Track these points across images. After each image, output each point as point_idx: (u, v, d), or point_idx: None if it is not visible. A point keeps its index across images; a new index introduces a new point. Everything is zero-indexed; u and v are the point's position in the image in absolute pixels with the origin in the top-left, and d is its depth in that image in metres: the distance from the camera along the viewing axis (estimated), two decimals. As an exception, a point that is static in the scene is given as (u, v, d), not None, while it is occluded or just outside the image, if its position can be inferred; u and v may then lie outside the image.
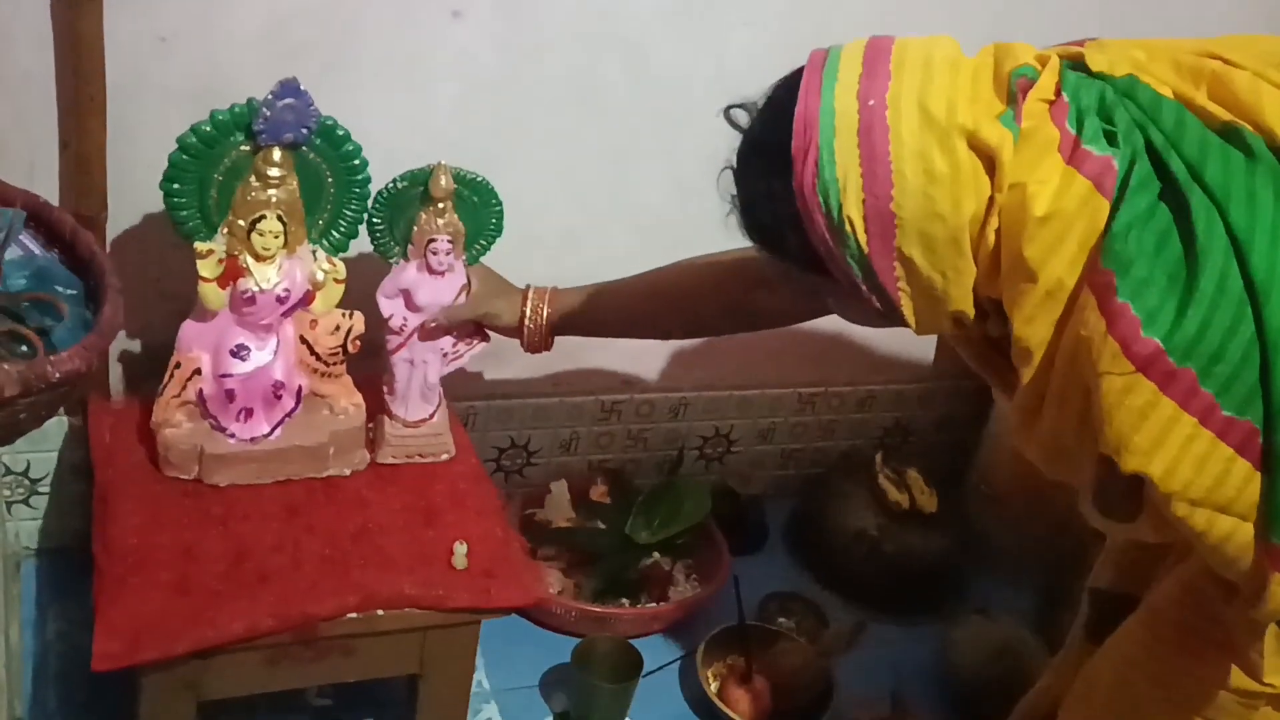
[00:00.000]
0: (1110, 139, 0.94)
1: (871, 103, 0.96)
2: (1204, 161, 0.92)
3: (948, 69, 0.97)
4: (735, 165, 1.07)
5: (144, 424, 1.42)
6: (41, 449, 1.57)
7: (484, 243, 1.46)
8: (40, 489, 1.61)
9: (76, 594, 1.39)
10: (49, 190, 1.36)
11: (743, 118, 1.07)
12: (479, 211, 1.43)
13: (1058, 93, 0.97)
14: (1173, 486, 0.92)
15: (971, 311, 1.00)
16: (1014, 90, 0.97)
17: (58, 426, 1.56)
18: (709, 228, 1.69)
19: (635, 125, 1.61)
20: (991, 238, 0.95)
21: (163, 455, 1.40)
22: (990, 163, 0.94)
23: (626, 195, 1.67)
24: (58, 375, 0.91)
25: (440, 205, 1.38)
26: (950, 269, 0.97)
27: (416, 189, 1.38)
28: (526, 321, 1.49)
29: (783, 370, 1.91)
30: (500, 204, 1.43)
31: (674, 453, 1.91)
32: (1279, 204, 0.91)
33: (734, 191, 1.08)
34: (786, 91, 1.02)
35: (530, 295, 1.49)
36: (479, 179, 1.40)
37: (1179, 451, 0.91)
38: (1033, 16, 1.69)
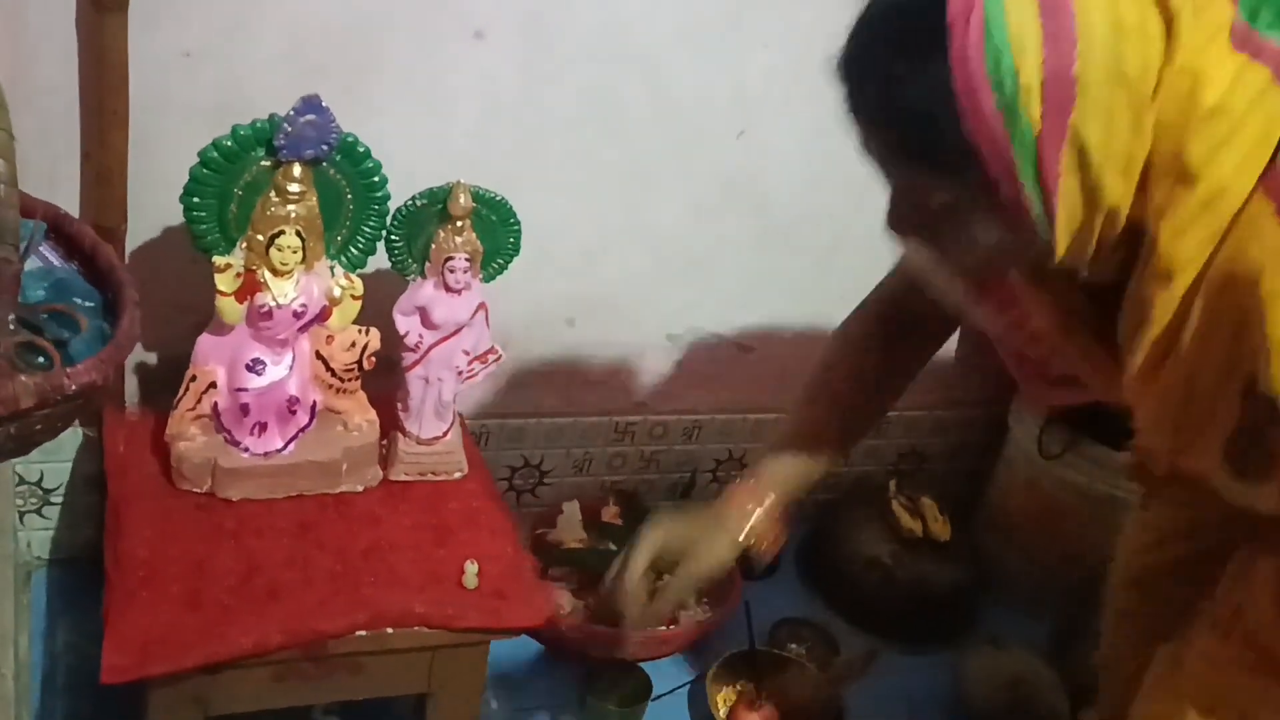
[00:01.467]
0: None
1: None
2: None
3: None
4: (861, 44, 0.89)
5: (158, 436, 1.43)
6: (56, 460, 1.57)
7: (501, 261, 1.46)
8: (53, 499, 1.61)
9: (87, 606, 1.39)
10: (69, 202, 1.37)
11: None
12: (497, 230, 1.43)
13: None
14: None
15: (1119, 225, 0.85)
16: None
17: (72, 437, 1.56)
18: (727, 248, 1.72)
19: (654, 146, 1.61)
20: (1149, 128, 0.82)
21: (176, 468, 1.40)
22: (1168, 25, 0.80)
23: (644, 215, 1.67)
24: (74, 387, 0.91)
25: (459, 223, 1.39)
26: (1123, 159, 0.82)
27: (435, 207, 1.38)
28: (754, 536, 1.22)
29: (795, 393, 1.90)
30: (518, 223, 1.43)
31: (687, 475, 1.91)
32: None
33: (856, 79, 0.89)
34: None
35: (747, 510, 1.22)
36: (498, 198, 1.40)
37: None
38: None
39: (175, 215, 1.31)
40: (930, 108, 0.83)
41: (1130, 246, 0.87)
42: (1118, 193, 0.83)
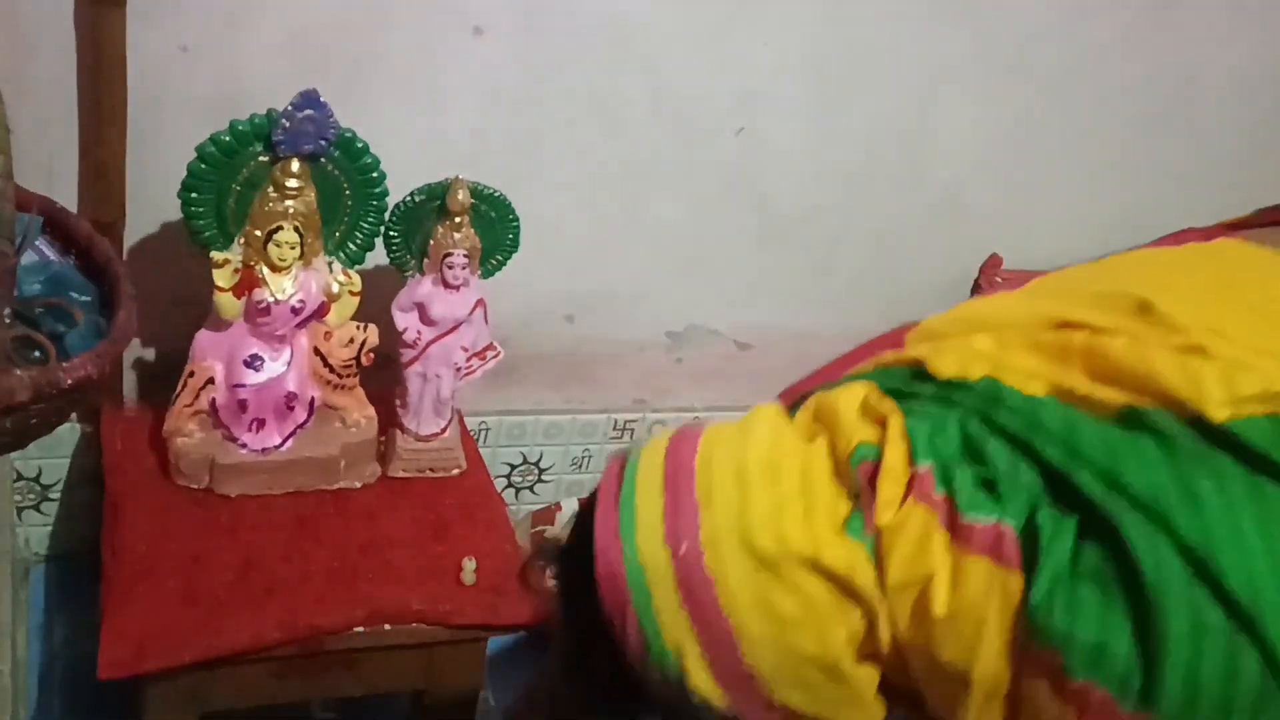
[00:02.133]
0: (990, 487, 0.75)
1: (684, 549, 0.78)
2: (1115, 466, 0.72)
3: (767, 480, 0.78)
4: (560, 632, 0.90)
5: (156, 432, 1.43)
6: (54, 455, 1.57)
7: (500, 258, 1.45)
8: (51, 495, 1.61)
9: (85, 601, 1.39)
10: (67, 197, 1.36)
11: (539, 566, 0.92)
12: (496, 226, 1.42)
13: (910, 462, 0.77)
14: None
15: (882, 714, 0.82)
16: (857, 483, 0.77)
17: (70, 433, 1.56)
18: (726, 245, 1.72)
19: (654, 143, 1.61)
20: (888, 643, 0.77)
21: (174, 464, 1.40)
22: (847, 585, 0.76)
23: (644, 212, 1.66)
24: (69, 381, 0.91)
25: (457, 219, 1.38)
26: (841, 700, 0.80)
27: (434, 203, 1.38)
28: None
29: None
30: (517, 219, 1.43)
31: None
32: (1225, 496, 0.70)
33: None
34: (584, 537, 0.82)
35: None
36: (496, 194, 1.40)
37: None
38: (1051, 32, 1.69)
39: (173, 210, 1.30)
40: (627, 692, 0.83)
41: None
42: (858, 716, 0.80)
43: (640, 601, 0.79)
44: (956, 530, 0.74)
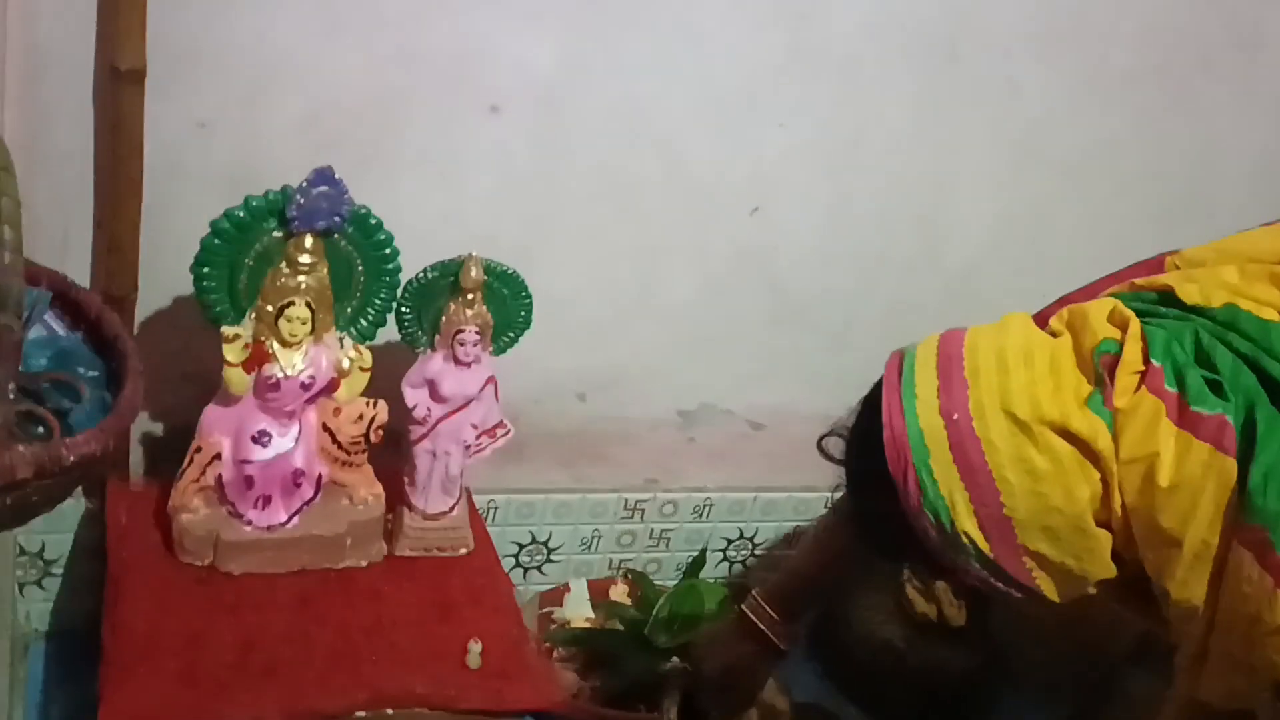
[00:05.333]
0: (1216, 389, 0.90)
1: (956, 417, 0.95)
2: None
3: (1022, 362, 0.95)
4: (849, 491, 1.09)
5: (161, 507, 1.41)
6: (57, 530, 1.55)
7: (512, 335, 1.45)
8: (54, 571, 1.59)
9: (84, 679, 1.36)
10: (80, 269, 1.36)
11: (835, 445, 1.09)
12: (508, 303, 1.42)
13: (1146, 359, 0.93)
14: None
15: (1114, 573, 0.96)
16: (1099, 370, 0.94)
17: (74, 508, 1.54)
18: (739, 325, 1.71)
19: (668, 222, 1.61)
20: (1119, 510, 0.92)
21: (178, 540, 1.38)
22: (1089, 449, 0.92)
23: (657, 291, 1.66)
24: (72, 458, 0.90)
25: (470, 296, 1.38)
26: (1082, 551, 0.94)
27: (447, 279, 1.37)
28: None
29: (807, 473, 1.87)
30: (530, 296, 1.43)
31: (696, 553, 1.88)
32: None
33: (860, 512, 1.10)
34: (870, 414, 1.01)
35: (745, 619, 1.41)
36: (509, 271, 1.40)
37: None
38: (1066, 119, 1.69)
39: (185, 284, 1.30)
40: (901, 543, 1.00)
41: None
42: (1092, 570, 0.95)
43: (920, 459, 0.95)
44: (1184, 418, 0.89)
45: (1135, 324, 0.95)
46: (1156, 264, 1.06)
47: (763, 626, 1.39)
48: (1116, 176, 1.76)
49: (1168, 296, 0.99)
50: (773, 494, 1.87)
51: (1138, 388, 0.92)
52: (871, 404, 1.02)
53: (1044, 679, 1.86)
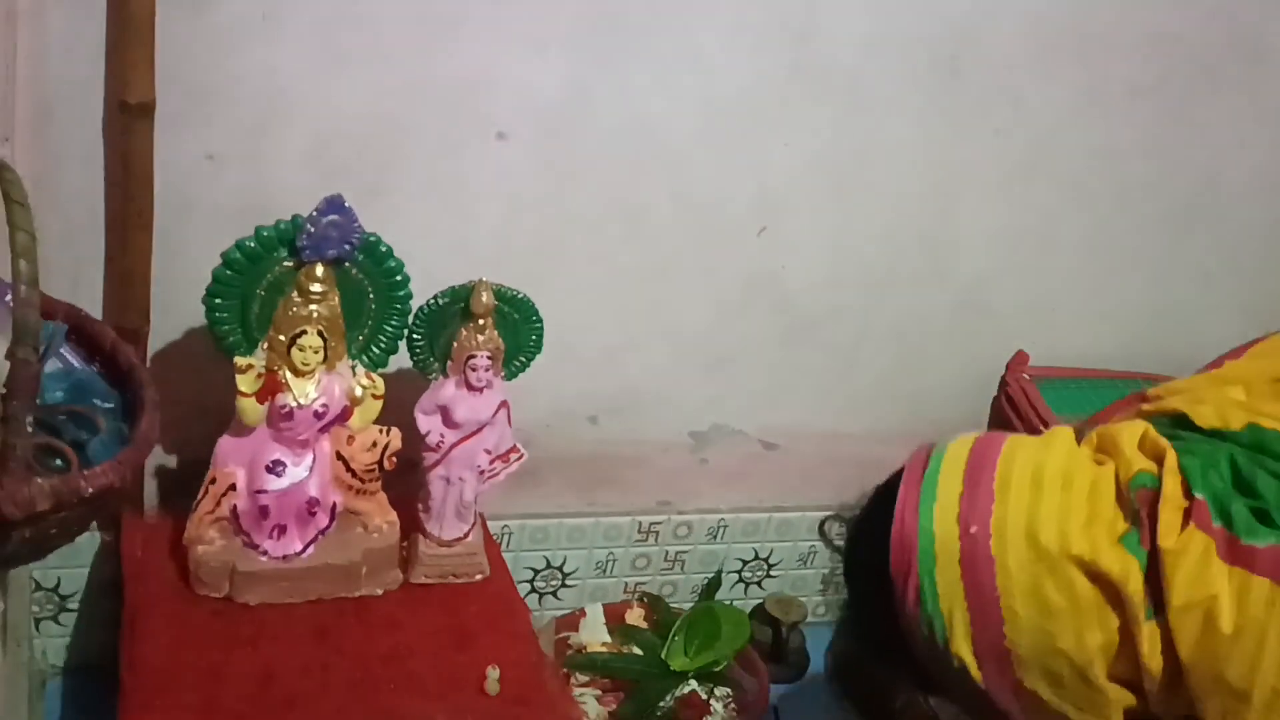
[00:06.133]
0: (1263, 518, 0.84)
1: (974, 530, 0.88)
2: None
3: (1059, 486, 0.88)
4: (845, 580, 1.04)
5: (177, 540, 1.41)
6: (73, 565, 1.55)
7: (524, 359, 1.45)
8: (70, 606, 1.58)
9: (102, 715, 1.36)
10: (92, 303, 1.36)
11: (835, 529, 1.04)
12: (519, 328, 1.42)
13: (1188, 493, 0.86)
14: None
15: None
16: (1135, 505, 0.87)
17: (90, 542, 1.54)
18: (749, 345, 1.71)
19: (676, 244, 1.61)
20: (1151, 665, 0.85)
21: (194, 573, 1.38)
22: (1116, 592, 0.85)
23: (667, 312, 1.66)
24: (90, 490, 0.90)
25: (480, 322, 1.38)
26: (1085, 702, 0.88)
27: (457, 305, 1.38)
28: None
29: (821, 491, 1.87)
30: (541, 320, 1.43)
31: (712, 575, 1.87)
32: None
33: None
34: (881, 505, 0.95)
35: None
36: (520, 295, 1.40)
37: None
38: (1069, 132, 1.69)
39: (198, 317, 1.31)
40: (890, 645, 0.94)
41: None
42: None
43: (925, 565, 0.89)
44: (1237, 554, 0.82)
45: (1171, 455, 0.88)
46: (1137, 398, 1.01)
47: None
48: (1121, 189, 1.76)
49: (1180, 420, 0.94)
50: (787, 514, 1.86)
51: (1184, 526, 0.85)
52: (884, 494, 0.96)
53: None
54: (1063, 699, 0.88)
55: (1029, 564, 0.86)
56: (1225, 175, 1.79)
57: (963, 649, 0.88)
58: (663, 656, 1.71)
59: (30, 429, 0.86)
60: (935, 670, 0.92)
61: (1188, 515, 0.85)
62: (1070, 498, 0.87)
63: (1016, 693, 0.89)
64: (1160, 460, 0.88)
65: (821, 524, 1.05)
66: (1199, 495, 0.85)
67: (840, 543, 1.03)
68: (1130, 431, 0.91)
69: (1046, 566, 0.85)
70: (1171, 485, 0.86)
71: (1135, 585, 0.84)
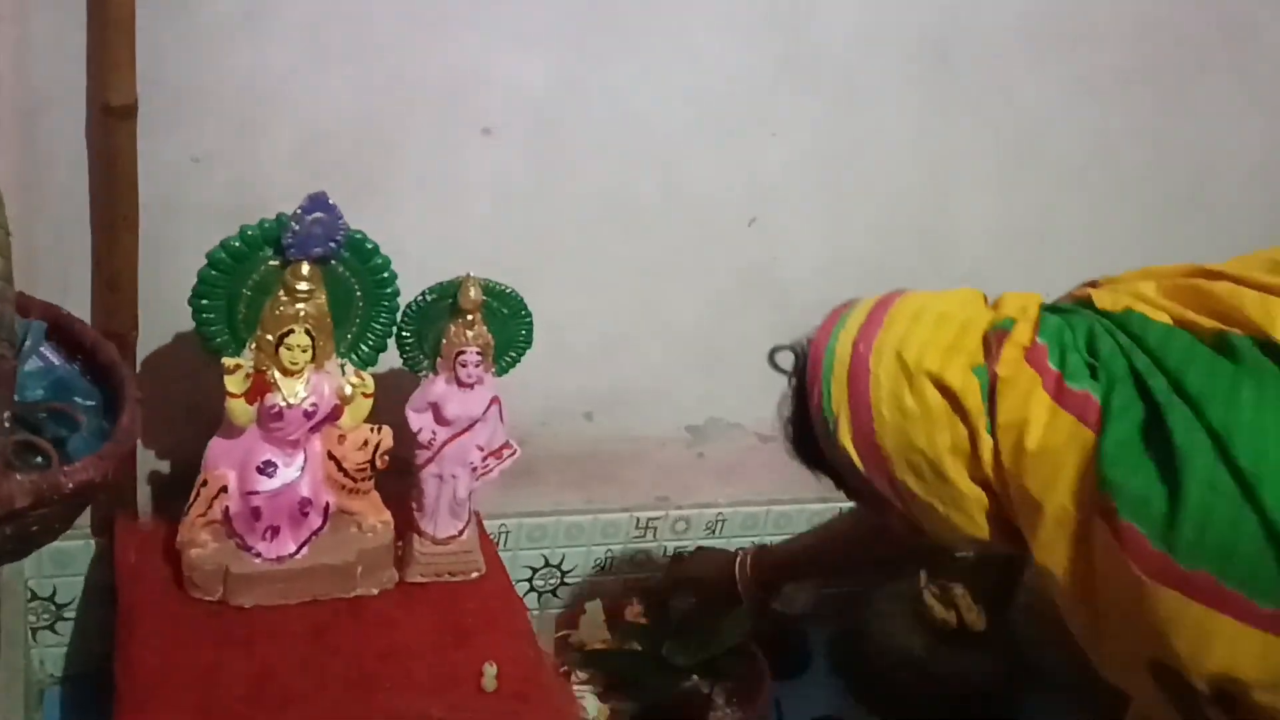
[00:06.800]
0: (1093, 371, 1.00)
1: (861, 348, 1.09)
2: (1185, 371, 0.96)
3: (933, 322, 1.08)
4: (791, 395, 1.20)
5: (170, 544, 1.40)
6: (68, 573, 1.55)
7: (514, 354, 1.44)
8: (66, 614, 1.58)
9: (99, 722, 1.36)
10: (81, 308, 1.36)
11: (785, 359, 1.20)
12: (508, 323, 1.41)
13: (1034, 339, 1.04)
14: (1247, 679, 0.92)
15: (987, 536, 1.06)
16: (990, 343, 1.05)
17: (84, 550, 1.54)
18: (743, 337, 1.70)
19: (666, 238, 1.60)
20: (991, 472, 1.03)
21: (187, 576, 1.37)
22: (958, 403, 1.03)
23: (660, 307, 1.65)
24: (71, 486, 0.89)
25: (469, 317, 1.37)
26: (946, 498, 1.06)
27: (445, 301, 1.37)
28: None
29: (819, 484, 1.86)
30: (530, 315, 1.42)
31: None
32: (1261, 396, 0.93)
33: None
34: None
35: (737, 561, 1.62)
36: (508, 290, 1.39)
37: (1231, 651, 0.91)
38: (1062, 121, 1.68)
39: (186, 320, 1.30)
40: (817, 453, 1.16)
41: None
42: (958, 521, 1.06)
43: (826, 375, 1.11)
44: (1059, 393, 1.00)
45: (1034, 309, 1.07)
46: (1092, 284, 1.14)
47: (736, 574, 1.59)
48: (1116, 177, 1.75)
49: (1086, 303, 1.09)
50: (785, 506, 1.86)
51: (1022, 362, 1.02)
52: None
53: (1071, 681, 1.83)
54: (928, 492, 1.06)
55: (894, 375, 1.06)
56: (1220, 160, 1.78)
57: (848, 443, 1.09)
58: (663, 653, 1.70)
59: (8, 425, 0.86)
60: (840, 467, 1.12)
61: (1024, 354, 1.03)
62: (941, 331, 1.07)
63: (892, 483, 1.08)
64: (1026, 313, 1.07)
65: (772, 353, 1.22)
66: (1041, 340, 1.03)
67: (785, 368, 1.19)
68: (1020, 297, 1.10)
69: (906, 378, 1.05)
70: (1022, 330, 1.05)
71: (974, 400, 1.02)
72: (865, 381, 1.07)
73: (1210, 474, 0.90)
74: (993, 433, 1.02)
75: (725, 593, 1.61)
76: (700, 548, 1.75)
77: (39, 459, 0.95)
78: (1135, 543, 0.92)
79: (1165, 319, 1.02)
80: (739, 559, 1.61)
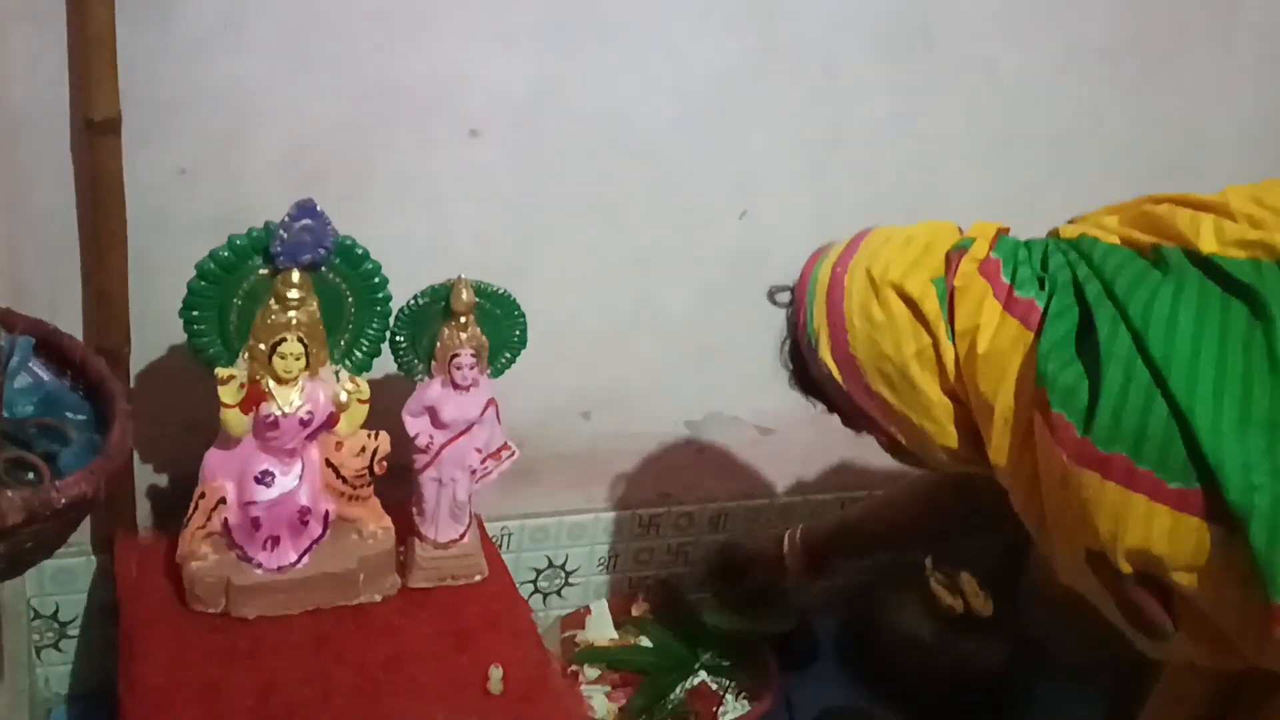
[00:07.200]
0: (1040, 283, 1.09)
1: (838, 270, 1.18)
2: (1117, 278, 1.04)
3: (902, 243, 1.17)
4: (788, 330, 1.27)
5: (171, 559, 1.40)
6: (70, 591, 1.54)
7: (509, 355, 1.44)
8: (70, 632, 1.58)
9: (107, 739, 1.35)
10: (72, 325, 1.36)
11: (783, 296, 1.25)
12: (502, 324, 1.41)
13: (989, 254, 1.13)
14: (1159, 556, 0.99)
15: (956, 445, 1.14)
16: (951, 260, 1.14)
17: (85, 567, 1.53)
18: (738, 330, 1.70)
19: (657, 233, 1.60)
20: (954, 380, 1.11)
21: (189, 589, 1.37)
22: (918, 310, 1.11)
23: (653, 303, 1.65)
24: (63, 501, 0.89)
25: (462, 319, 1.37)
26: (918, 406, 1.13)
27: (438, 304, 1.36)
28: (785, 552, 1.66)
29: (823, 475, 1.86)
30: (523, 315, 1.42)
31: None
32: (1178, 297, 1.01)
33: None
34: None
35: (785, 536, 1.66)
36: (500, 291, 1.39)
37: (1144, 528, 0.98)
38: (1046, 97, 1.68)
39: (179, 334, 1.29)
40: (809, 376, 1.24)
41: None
42: (930, 430, 1.14)
43: (810, 297, 1.19)
44: (1009, 301, 1.08)
45: (993, 231, 1.16)
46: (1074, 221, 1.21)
47: (785, 549, 1.64)
48: (1102, 151, 1.75)
49: (1053, 234, 1.17)
50: (788, 498, 1.85)
51: (976, 274, 1.11)
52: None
53: (1079, 667, 1.83)
54: (901, 402, 1.14)
55: (863, 289, 1.14)
56: (1206, 130, 1.78)
57: (827, 357, 1.17)
58: (701, 617, 1.72)
59: (-1, 443, 0.86)
60: (825, 384, 1.19)
61: (978, 267, 1.11)
62: (908, 250, 1.15)
63: (869, 395, 1.16)
64: (986, 235, 1.16)
65: (771, 291, 1.28)
66: (995, 255, 1.12)
67: (783, 304, 1.26)
68: (988, 225, 1.18)
69: (874, 290, 1.14)
70: (979, 246, 1.13)
71: (931, 306, 1.11)
72: (840, 298, 1.16)
73: (1128, 365, 0.99)
74: (953, 341, 1.10)
75: (772, 572, 1.67)
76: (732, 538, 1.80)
77: (30, 475, 0.94)
78: (1064, 431, 1.00)
79: (1114, 240, 1.10)
80: (788, 534, 1.65)
